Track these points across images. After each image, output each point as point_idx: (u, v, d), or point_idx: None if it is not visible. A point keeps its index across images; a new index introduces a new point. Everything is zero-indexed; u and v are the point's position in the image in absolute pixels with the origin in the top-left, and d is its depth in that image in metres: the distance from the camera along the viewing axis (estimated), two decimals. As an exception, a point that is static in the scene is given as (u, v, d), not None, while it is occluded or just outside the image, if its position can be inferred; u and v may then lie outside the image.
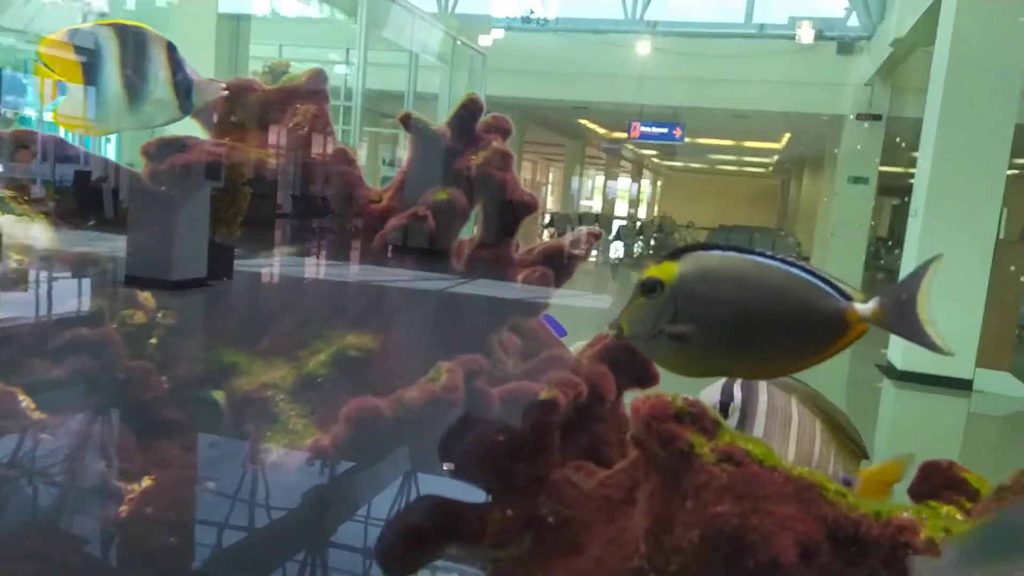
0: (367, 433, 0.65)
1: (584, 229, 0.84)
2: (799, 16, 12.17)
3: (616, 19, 12.89)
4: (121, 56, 0.76)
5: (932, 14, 7.15)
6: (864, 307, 0.71)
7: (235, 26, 7.64)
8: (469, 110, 0.81)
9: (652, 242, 18.04)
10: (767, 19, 12.55)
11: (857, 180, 12.03)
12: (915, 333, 0.70)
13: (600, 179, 21.44)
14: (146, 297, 0.89)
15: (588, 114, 14.66)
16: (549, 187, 24.74)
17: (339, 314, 0.83)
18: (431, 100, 9.98)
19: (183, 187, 0.79)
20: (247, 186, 0.82)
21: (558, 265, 0.83)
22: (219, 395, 0.80)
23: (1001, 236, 8.48)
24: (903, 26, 9.03)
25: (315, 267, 0.85)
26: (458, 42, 10.41)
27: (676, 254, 0.73)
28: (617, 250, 16.47)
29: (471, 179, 0.80)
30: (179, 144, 0.77)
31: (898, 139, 11.24)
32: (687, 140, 13.91)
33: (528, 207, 0.81)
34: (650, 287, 0.71)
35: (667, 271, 0.72)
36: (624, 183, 23.45)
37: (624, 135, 13.76)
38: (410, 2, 10.02)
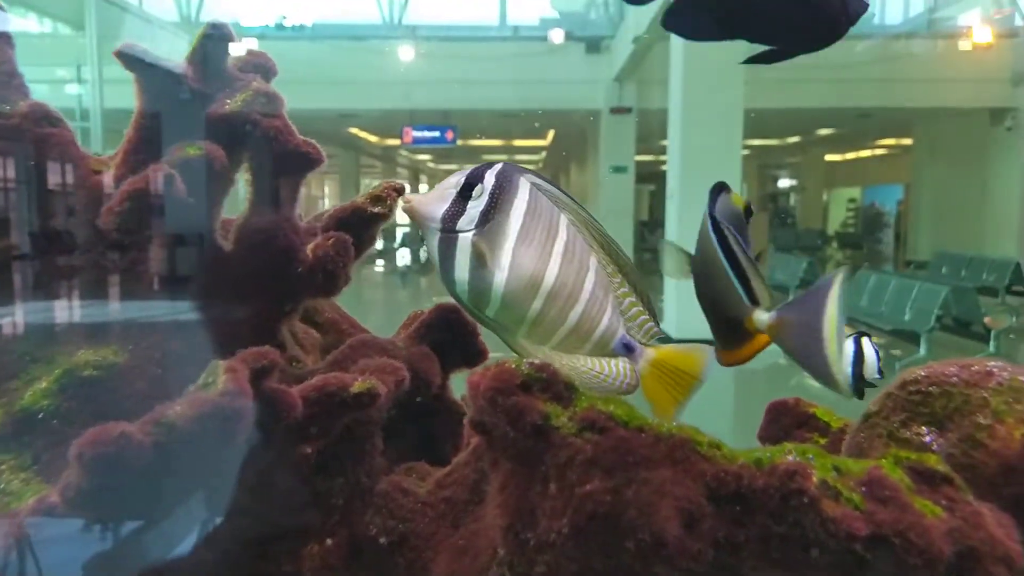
0: (114, 473, 0.45)
1: (383, 182, 0.69)
2: (549, 18, 12.83)
3: (375, 24, 12.75)
4: None
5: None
6: (762, 317, 0.65)
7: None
8: (214, 40, 0.63)
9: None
10: (519, 21, 13.09)
11: (617, 169, 12.91)
12: (815, 364, 0.62)
13: (377, 188, 21.17)
14: None
15: (358, 122, 14.35)
16: (326, 200, 23.93)
17: (64, 328, 0.61)
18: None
19: None
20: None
21: (358, 229, 0.68)
22: None
23: (743, 208, 9.50)
24: (641, 24, 9.80)
25: (17, 264, 0.62)
26: (207, 51, 9.65)
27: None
28: (404, 257, 16.33)
29: (230, 129, 0.62)
30: None
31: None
32: (459, 143, 14.10)
33: (310, 159, 0.65)
34: None
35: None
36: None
37: (397, 141, 13.65)
38: (146, 12, 9.12)
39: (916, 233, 14.36)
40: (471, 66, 12.29)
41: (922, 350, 6.70)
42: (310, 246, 0.66)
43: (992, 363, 0.58)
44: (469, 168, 0.70)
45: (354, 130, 15.56)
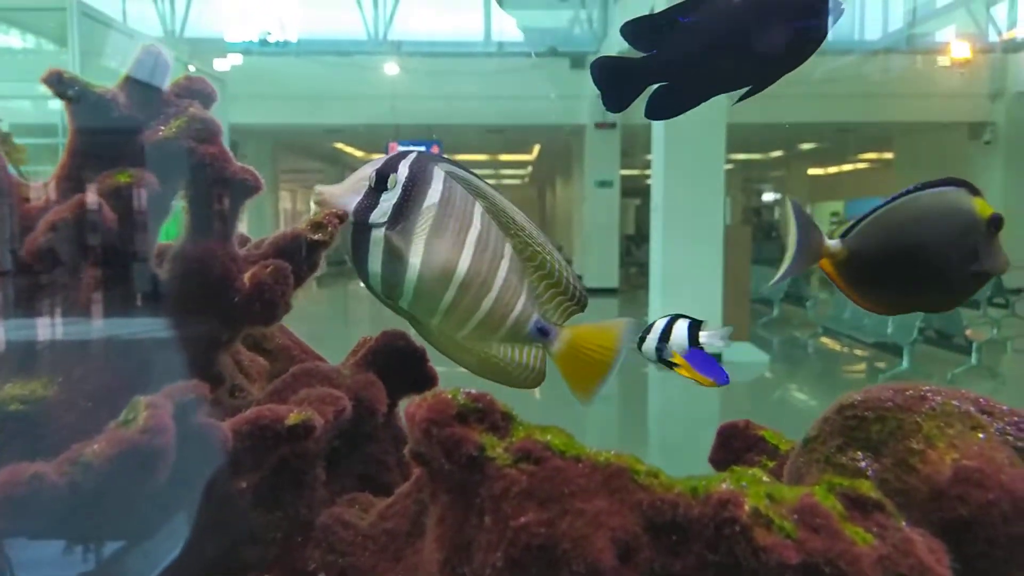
0: (26, 516, 0.44)
1: (327, 210, 0.69)
2: (531, 27, 12.94)
3: (359, 40, 12.79)
4: None
5: (648, 27, 7.87)
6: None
7: (-88, 63, 6.52)
8: (148, 66, 0.62)
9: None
10: (504, 37, 13.18)
11: (602, 184, 12.97)
12: None
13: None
14: None
15: (343, 137, 14.36)
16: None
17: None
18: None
19: None
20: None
21: (297, 257, 0.67)
22: None
23: (728, 222, 9.58)
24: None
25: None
26: (191, 68, 9.66)
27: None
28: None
29: (164, 156, 0.62)
30: None
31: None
32: (445, 157, 14.10)
33: (247, 187, 0.64)
34: None
35: None
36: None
37: (382, 156, 13.62)
38: (130, 27, 9.11)
39: (898, 245, 14.44)
40: (456, 81, 12.35)
41: (905, 363, 6.74)
42: (247, 274, 0.65)
43: (926, 387, 0.58)
44: (383, 158, 0.71)
45: (339, 145, 15.57)
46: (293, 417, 0.59)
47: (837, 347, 8.52)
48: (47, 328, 0.60)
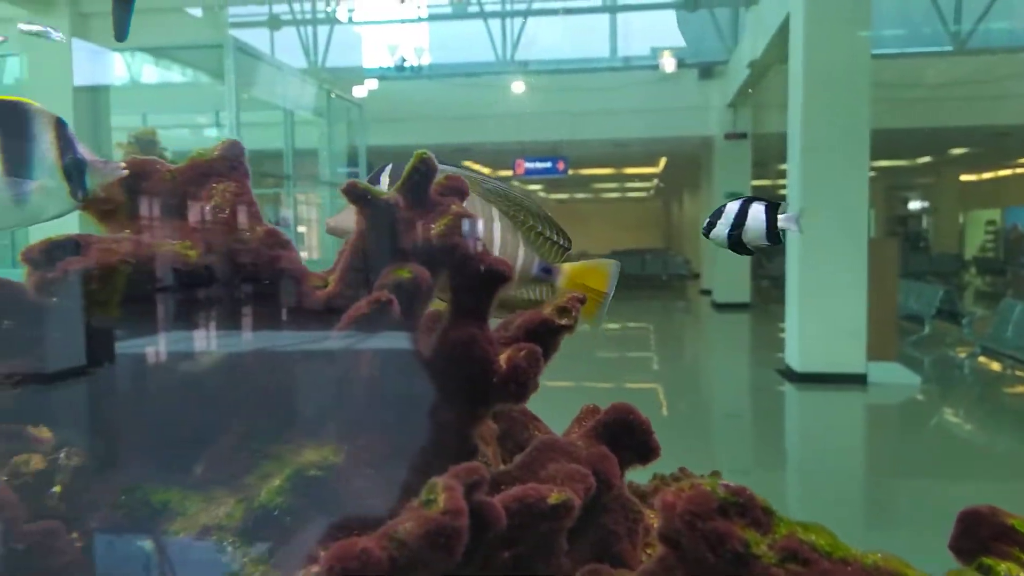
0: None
1: (568, 293, 0.73)
2: (660, 46, 12.81)
3: (488, 61, 13.10)
4: None
5: (783, 34, 7.62)
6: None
7: (93, 98, 7.30)
8: (421, 172, 0.69)
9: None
10: (630, 52, 13.12)
11: (732, 196, 12.58)
12: None
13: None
14: (41, 432, 0.71)
15: (471, 155, 14.75)
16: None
17: (288, 424, 0.68)
18: (311, 155, 9.79)
19: (77, 293, 0.62)
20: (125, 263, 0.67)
21: (544, 340, 0.71)
22: (151, 546, 0.63)
23: (872, 235, 9.07)
24: (757, 48, 9.59)
25: (253, 369, 0.70)
26: (332, 95, 10.24)
27: None
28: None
29: (433, 251, 0.68)
30: (71, 245, 0.61)
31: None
32: (570, 172, 14.23)
33: (502, 276, 0.69)
34: None
35: None
36: (513, 219, 23.62)
37: (510, 173, 13.91)
38: (278, 59, 9.80)
39: (1067, 257, 13.17)
40: (581, 97, 12.42)
41: (1081, 387, 6.12)
42: (503, 356, 0.70)
43: None
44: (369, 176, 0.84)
45: (467, 163, 16.00)
46: (554, 497, 0.63)
47: (997, 367, 7.86)
48: (334, 400, 0.68)
